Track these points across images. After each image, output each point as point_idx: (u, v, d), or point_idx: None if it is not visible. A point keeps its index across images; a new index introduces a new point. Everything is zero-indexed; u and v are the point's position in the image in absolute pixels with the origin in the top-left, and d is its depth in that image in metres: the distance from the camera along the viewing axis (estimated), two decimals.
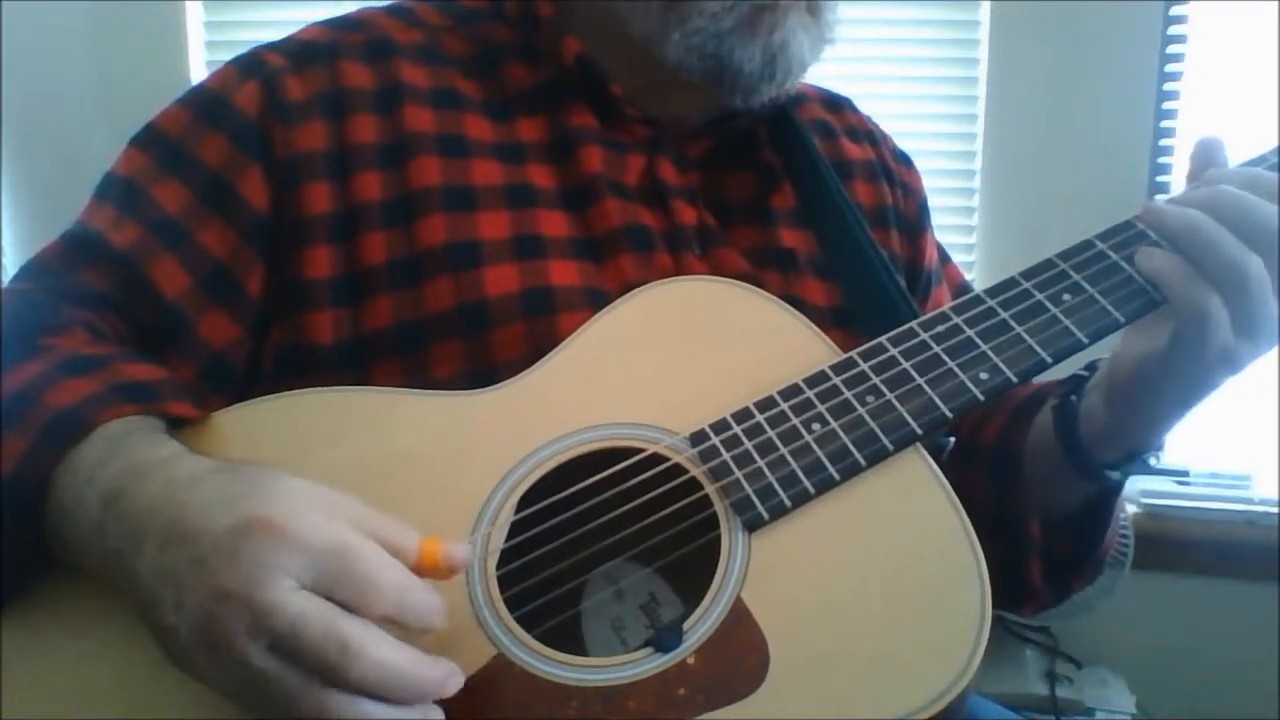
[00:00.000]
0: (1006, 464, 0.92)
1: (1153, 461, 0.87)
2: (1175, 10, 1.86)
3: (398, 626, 0.59)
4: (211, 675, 0.58)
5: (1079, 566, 0.94)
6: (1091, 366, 0.87)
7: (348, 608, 0.57)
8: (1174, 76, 1.89)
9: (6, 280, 0.88)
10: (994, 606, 0.65)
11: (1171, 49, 1.88)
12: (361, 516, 0.61)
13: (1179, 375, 0.79)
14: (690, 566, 0.72)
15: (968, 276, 1.16)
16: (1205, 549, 1.95)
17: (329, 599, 0.57)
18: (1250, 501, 1.98)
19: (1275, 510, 1.95)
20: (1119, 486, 0.89)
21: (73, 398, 0.69)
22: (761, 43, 0.87)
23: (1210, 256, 0.76)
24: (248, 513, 0.58)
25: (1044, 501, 0.90)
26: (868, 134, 1.09)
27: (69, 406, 0.69)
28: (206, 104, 0.89)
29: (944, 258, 1.11)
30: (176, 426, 0.73)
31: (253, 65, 0.90)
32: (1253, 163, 0.84)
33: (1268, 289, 0.75)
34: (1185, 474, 2.03)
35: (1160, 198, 0.82)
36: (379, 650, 0.57)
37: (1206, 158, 0.84)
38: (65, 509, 0.66)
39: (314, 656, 0.56)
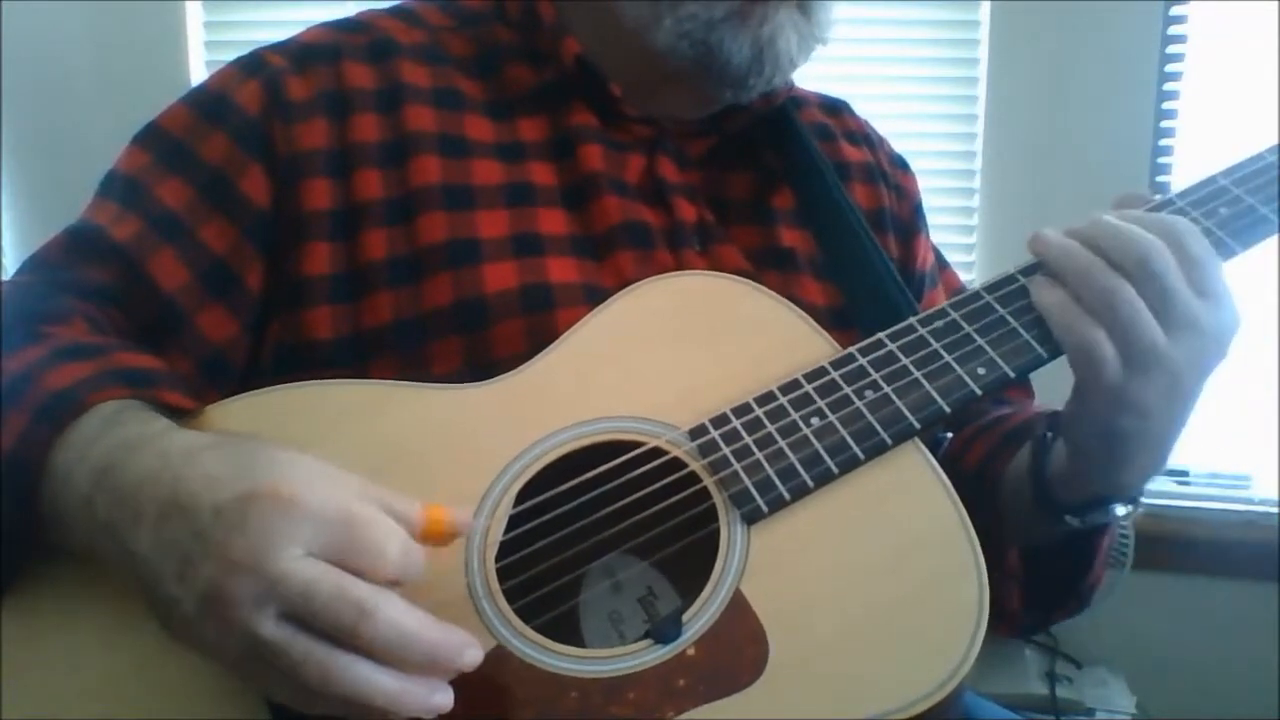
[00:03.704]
0: (984, 490, 0.90)
1: (1120, 512, 0.82)
2: (1175, 10, 1.87)
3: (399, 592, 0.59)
4: (214, 646, 0.59)
5: (1060, 598, 0.93)
6: None
7: (355, 574, 0.58)
8: (1174, 76, 1.89)
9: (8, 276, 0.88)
10: None
11: (1171, 49, 1.88)
12: (363, 487, 0.62)
13: (1086, 421, 0.77)
14: (688, 561, 0.72)
15: (968, 277, 1.17)
16: (1205, 549, 1.96)
17: (336, 566, 0.58)
18: (1250, 501, 1.99)
19: (1275, 510, 1.95)
20: (1099, 531, 0.87)
21: (67, 380, 0.70)
22: (751, 35, 0.88)
23: (1081, 283, 0.74)
24: (252, 484, 0.58)
25: (1019, 532, 0.89)
26: (865, 137, 1.09)
27: (63, 388, 0.69)
28: (208, 102, 0.89)
29: (942, 262, 1.11)
30: (171, 417, 0.73)
31: (255, 65, 0.90)
32: (1247, 163, 0.84)
33: (1141, 316, 0.72)
34: (1185, 474, 2.04)
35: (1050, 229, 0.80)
36: (392, 611, 0.57)
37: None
38: (56, 487, 0.66)
39: (327, 619, 0.56)
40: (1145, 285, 0.73)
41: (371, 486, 0.62)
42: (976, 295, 0.80)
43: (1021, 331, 0.77)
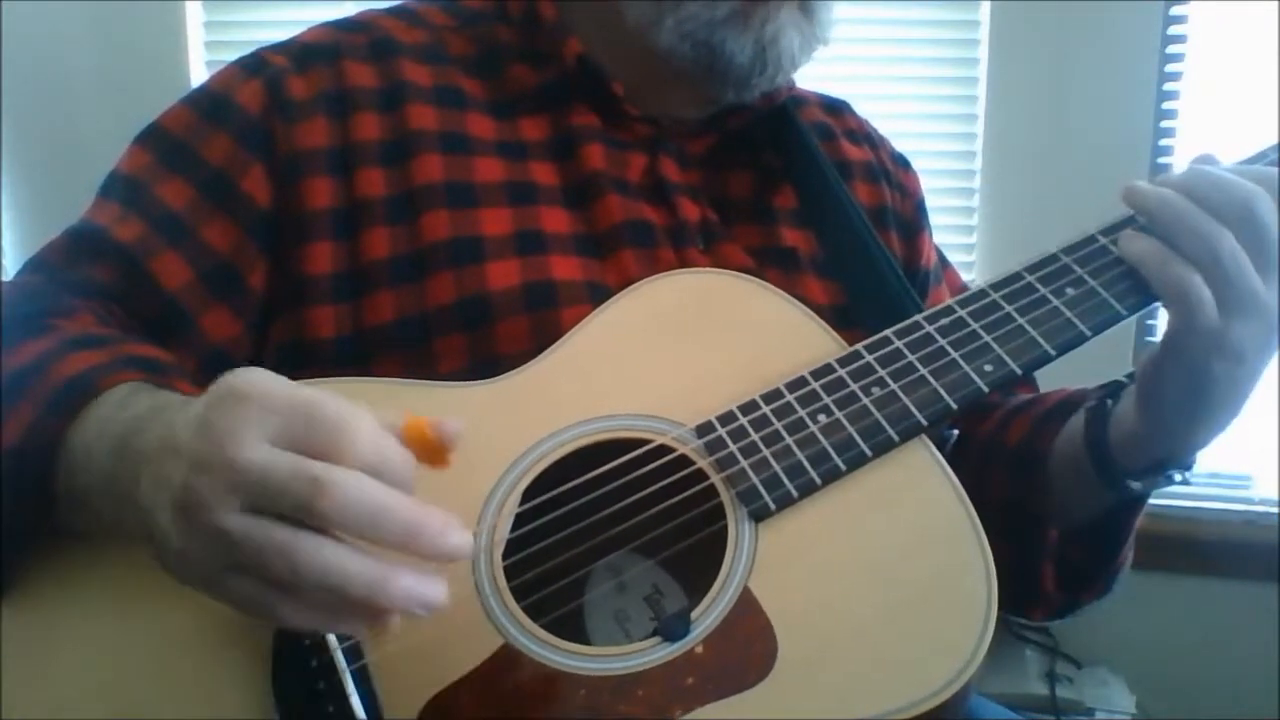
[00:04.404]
0: (1029, 465, 0.91)
1: (1178, 478, 0.85)
2: (1175, 10, 1.87)
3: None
4: (196, 564, 0.56)
5: (1091, 579, 0.93)
6: (1133, 375, 0.86)
7: (322, 459, 0.54)
8: (1174, 76, 1.90)
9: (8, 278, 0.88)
10: (1002, 610, 0.66)
11: (1171, 49, 1.89)
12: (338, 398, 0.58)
13: (1176, 367, 0.78)
14: (694, 559, 0.72)
15: (968, 277, 1.17)
16: (1205, 549, 1.96)
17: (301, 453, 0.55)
18: (1250, 501, 1.99)
19: (1275, 510, 1.96)
20: (1139, 500, 0.88)
21: (79, 367, 0.69)
22: (754, 35, 0.88)
23: (1182, 231, 0.76)
24: (218, 392, 0.57)
25: (1064, 508, 0.90)
26: (866, 136, 1.09)
27: (75, 375, 0.69)
28: (210, 103, 0.89)
29: (943, 261, 1.12)
30: None
31: (256, 65, 0.90)
32: (1250, 161, 0.84)
33: (1243, 263, 0.74)
34: None
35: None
36: (354, 483, 0.54)
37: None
38: (76, 466, 0.66)
39: (285, 499, 0.53)
40: (1246, 232, 0.75)
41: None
42: (982, 292, 0.80)
43: (1028, 329, 0.77)
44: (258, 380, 0.57)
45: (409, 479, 0.56)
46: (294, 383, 0.57)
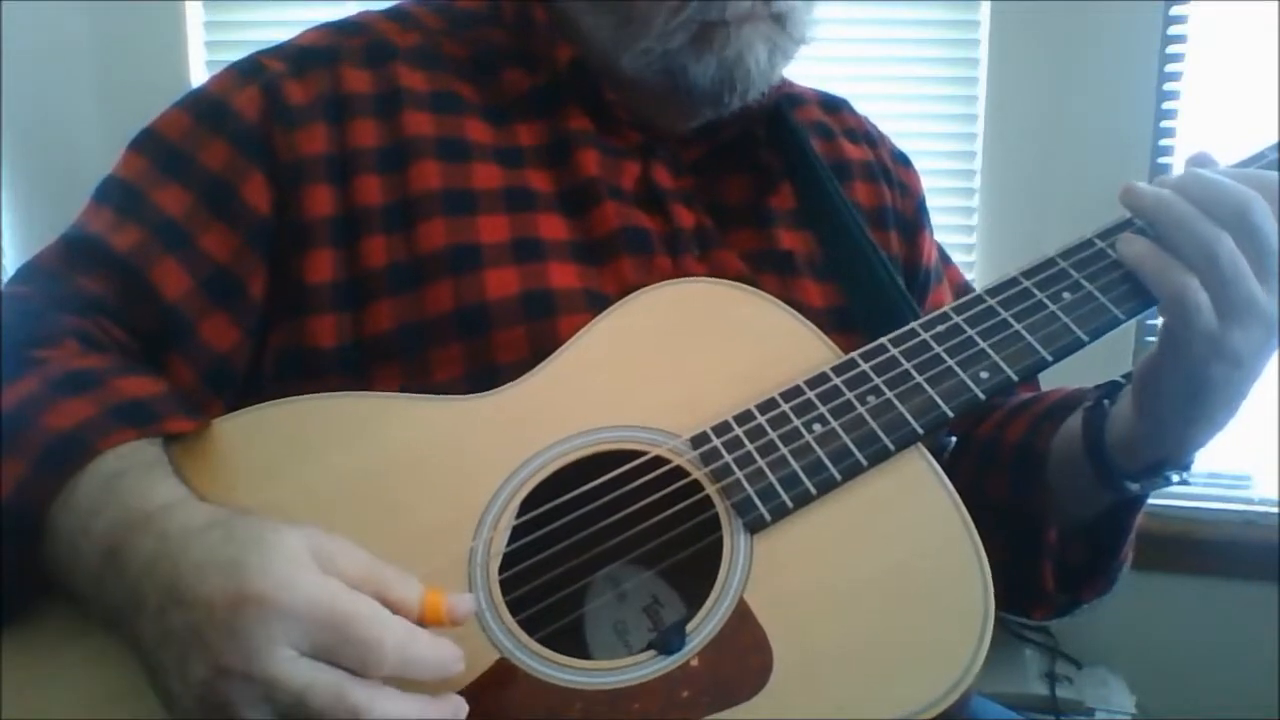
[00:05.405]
0: (1028, 465, 0.91)
1: (1175, 479, 0.85)
2: (1175, 10, 1.86)
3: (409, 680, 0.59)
4: None
5: (1091, 578, 0.93)
6: (1130, 376, 0.86)
7: (352, 670, 0.57)
8: (1174, 76, 1.89)
9: (5, 282, 0.87)
10: (1003, 609, 0.66)
11: (1171, 49, 1.88)
12: (360, 568, 0.61)
13: (1174, 370, 0.78)
14: (693, 569, 0.72)
15: (968, 276, 1.17)
16: (1205, 549, 1.95)
17: (332, 663, 0.57)
18: (1250, 501, 1.98)
19: (1275, 510, 1.95)
20: (1138, 501, 0.88)
21: (70, 421, 0.69)
22: (715, 58, 0.86)
23: (1180, 234, 0.76)
24: (240, 586, 0.57)
25: (1062, 508, 0.90)
26: (866, 135, 1.08)
27: (67, 431, 0.68)
28: (207, 108, 0.88)
29: (944, 258, 1.11)
30: (178, 442, 0.73)
31: (253, 70, 0.90)
32: (1249, 161, 0.84)
33: (1241, 267, 0.74)
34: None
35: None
36: (387, 707, 0.57)
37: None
38: (62, 556, 0.66)
39: (324, 718, 0.56)
40: (1243, 236, 0.74)
41: (369, 565, 0.61)
42: (979, 299, 0.80)
43: (1025, 335, 0.77)
44: (284, 580, 0.58)
45: (442, 671, 0.60)
46: (312, 578, 0.58)
